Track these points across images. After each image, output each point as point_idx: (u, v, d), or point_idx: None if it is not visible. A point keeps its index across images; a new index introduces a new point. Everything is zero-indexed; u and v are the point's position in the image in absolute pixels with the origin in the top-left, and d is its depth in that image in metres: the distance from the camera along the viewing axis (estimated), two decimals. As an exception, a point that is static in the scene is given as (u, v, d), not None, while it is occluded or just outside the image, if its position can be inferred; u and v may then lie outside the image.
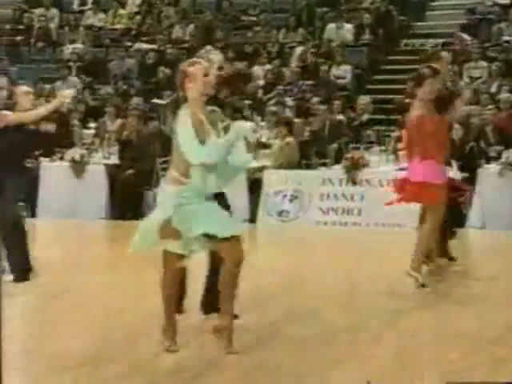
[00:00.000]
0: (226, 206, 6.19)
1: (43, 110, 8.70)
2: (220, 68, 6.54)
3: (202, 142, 5.70)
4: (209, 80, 5.89)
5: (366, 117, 15.24)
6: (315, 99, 15.78)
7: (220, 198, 6.04)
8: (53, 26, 20.69)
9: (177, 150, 5.81)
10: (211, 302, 6.39)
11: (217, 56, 6.68)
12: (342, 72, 17.42)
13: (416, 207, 8.56)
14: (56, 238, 12.12)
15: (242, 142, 5.85)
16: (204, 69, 5.87)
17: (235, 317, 6.13)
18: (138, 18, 20.38)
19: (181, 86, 5.86)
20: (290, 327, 6.68)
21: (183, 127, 5.71)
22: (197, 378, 5.38)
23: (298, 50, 18.10)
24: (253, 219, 12.83)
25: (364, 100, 15.54)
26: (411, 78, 8.55)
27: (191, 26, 19.68)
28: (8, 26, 20.74)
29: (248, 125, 5.98)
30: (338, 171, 12.84)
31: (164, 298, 5.95)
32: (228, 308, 5.83)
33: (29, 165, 9.45)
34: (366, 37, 18.35)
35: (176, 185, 5.81)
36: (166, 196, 5.86)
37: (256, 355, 5.82)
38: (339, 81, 17.26)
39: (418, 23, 18.87)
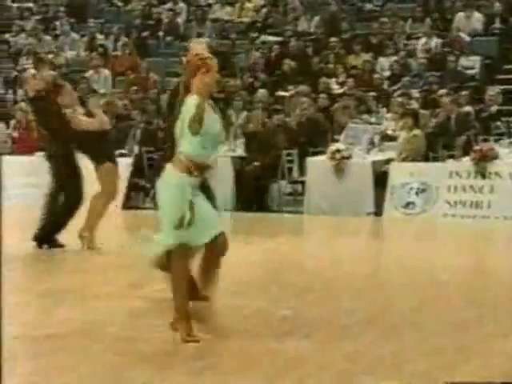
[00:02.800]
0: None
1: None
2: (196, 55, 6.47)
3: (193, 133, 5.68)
4: (218, 78, 5.93)
5: (495, 108, 14.89)
6: (442, 91, 15.51)
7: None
8: (180, 20, 21.02)
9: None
10: None
11: (197, 45, 6.77)
12: (471, 62, 17.07)
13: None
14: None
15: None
16: (216, 66, 5.91)
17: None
18: (264, 10, 20.48)
19: (193, 75, 5.83)
20: (420, 318, 6.62)
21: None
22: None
23: (424, 40, 17.84)
24: (378, 212, 12.71)
25: (493, 91, 15.18)
26: None
27: (316, 18, 19.65)
28: (137, 21, 21.19)
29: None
30: (466, 163, 12.59)
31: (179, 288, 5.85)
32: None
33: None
34: (497, 26, 17.91)
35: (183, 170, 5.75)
36: (183, 184, 5.76)
37: (386, 345, 5.79)
38: (467, 71, 16.92)
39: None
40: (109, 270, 8.59)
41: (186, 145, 5.79)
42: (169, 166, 5.85)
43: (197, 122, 5.72)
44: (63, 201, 9.70)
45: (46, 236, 9.72)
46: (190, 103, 5.77)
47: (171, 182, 5.81)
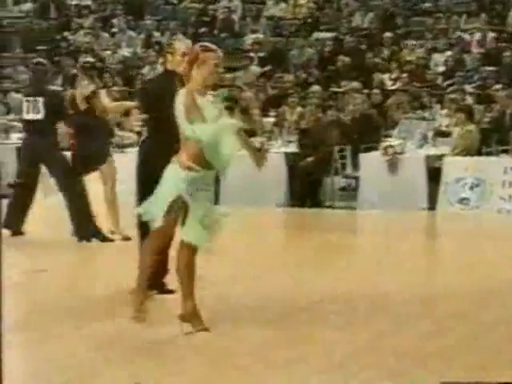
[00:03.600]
0: None
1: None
2: (184, 55, 6.59)
3: (191, 121, 5.68)
4: (217, 70, 5.88)
5: (551, 103, 14.74)
6: (497, 86, 15.41)
7: None
8: (235, 17, 21.16)
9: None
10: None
11: (182, 44, 6.88)
12: (526, 57, 16.93)
13: None
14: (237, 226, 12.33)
15: (227, 139, 5.73)
16: (216, 58, 5.86)
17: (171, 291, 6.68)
18: (318, 7, 20.51)
19: (188, 67, 5.84)
20: (473, 313, 6.62)
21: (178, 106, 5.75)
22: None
23: (478, 35, 17.74)
24: (432, 207, 12.71)
25: (550, 85, 15.06)
26: None
27: (370, 14, 19.63)
28: (193, 18, 21.38)
29: (231, 123, 5.83)
30: (520, 159, 12.54)
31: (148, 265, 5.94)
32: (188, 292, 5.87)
33: None
34: (553, 20, 17.77)
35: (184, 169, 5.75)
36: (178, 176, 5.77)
37: (438, 339, 5.80)
38: (523, 66, 16.79)
39: None
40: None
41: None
42: (173, 159, 5.85)
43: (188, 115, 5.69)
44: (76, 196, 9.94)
45: (84, 231, 9.91)
46: (179, 98, 5.76)
47: (168, 174, 5.82)
